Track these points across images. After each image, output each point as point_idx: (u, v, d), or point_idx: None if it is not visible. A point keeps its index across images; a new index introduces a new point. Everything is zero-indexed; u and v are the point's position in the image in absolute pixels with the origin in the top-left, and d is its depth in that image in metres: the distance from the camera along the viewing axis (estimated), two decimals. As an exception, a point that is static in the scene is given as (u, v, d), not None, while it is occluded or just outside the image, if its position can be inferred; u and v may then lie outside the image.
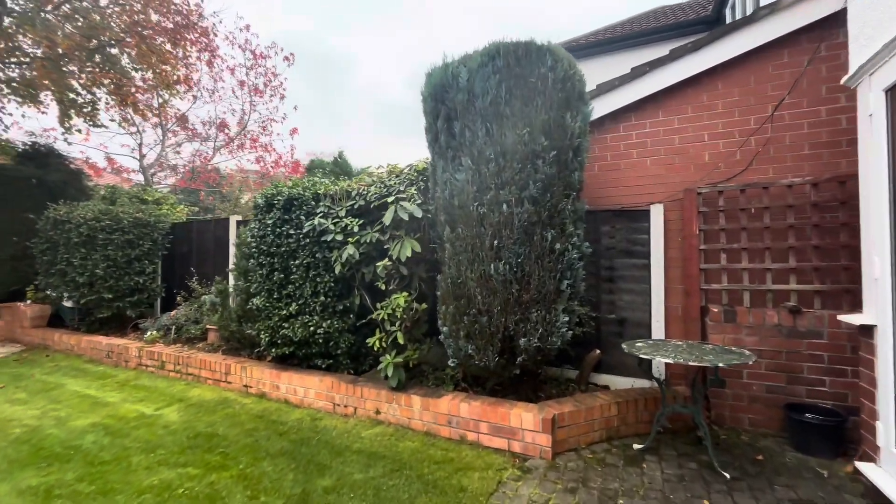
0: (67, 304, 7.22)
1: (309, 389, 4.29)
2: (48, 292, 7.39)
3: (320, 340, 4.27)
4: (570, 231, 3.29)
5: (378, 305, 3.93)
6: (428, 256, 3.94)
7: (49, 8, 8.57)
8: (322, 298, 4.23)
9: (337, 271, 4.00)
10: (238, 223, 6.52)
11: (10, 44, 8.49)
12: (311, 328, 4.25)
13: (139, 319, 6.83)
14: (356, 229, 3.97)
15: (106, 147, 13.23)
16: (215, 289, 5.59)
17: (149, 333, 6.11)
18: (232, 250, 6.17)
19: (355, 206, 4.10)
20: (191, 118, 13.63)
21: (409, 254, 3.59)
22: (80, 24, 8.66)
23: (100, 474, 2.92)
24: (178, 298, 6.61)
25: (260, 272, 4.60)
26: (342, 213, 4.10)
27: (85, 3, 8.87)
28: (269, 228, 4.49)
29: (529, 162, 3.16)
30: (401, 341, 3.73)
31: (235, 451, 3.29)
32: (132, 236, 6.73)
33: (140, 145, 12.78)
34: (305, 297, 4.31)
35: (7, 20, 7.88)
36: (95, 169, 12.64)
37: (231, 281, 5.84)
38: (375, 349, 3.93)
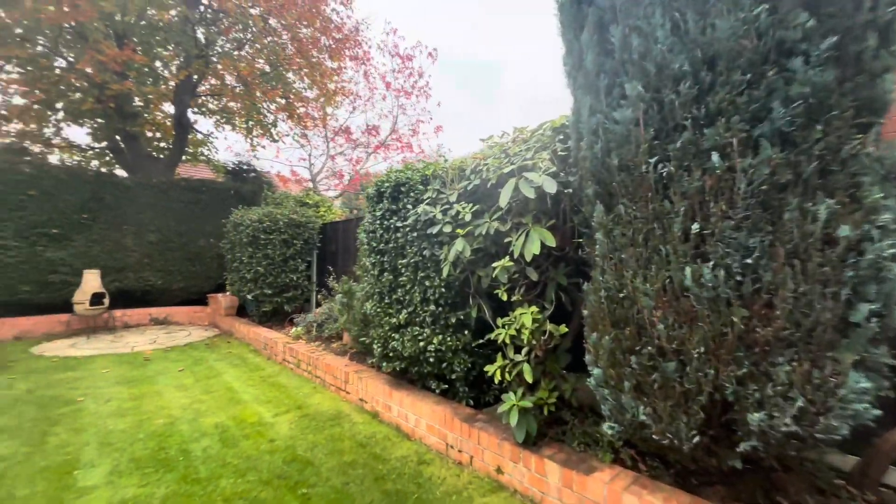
0: (249, 296, 8.28)
1: (421, 418, 3.47)
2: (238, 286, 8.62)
3: (431, 359, 3.40)
4: (871, 199, 1.57)
5: (499, 322, 2.83)
6: (570, 253, 2.65)
7: (246, 46, 10.19)
8: (432, 307, 3.35)
9: (445, 273, 3.05)
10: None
11: (218, 81, 10.37)
12: (422, 343, 3.42)
13: (294, 314, 7.29)
14: (468, 217, 2.94)
15: (290, 161, 15.59)
16: (342, 288, 5.36)
17: (293, 330, 6.34)
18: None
19: (468, 188, 3.07)
20: (349, 125, 14.98)
21: (536, 250, 2.38)
22: (264, 54, 10.04)
23: (184, 497, 2.63)
24: (318, 297, 6.75)
25: (372, 272, 4.02)
26: (453, 198, 3.12)
27: (271, 39, 10.25)
28: (377, 222, 3.85)
29: (771, 65, 1.60)
30: (528, 378, 2.55)
31: (319, 495, 2.65)
32: (287, 236, 7.21)
33: (309, 156, 14.60)
34: (415, 304, 3.51)
35: (214, 59, 9.56)
36: (283, 180, 14.95)
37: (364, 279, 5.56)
38: (496, 381, 2.84)
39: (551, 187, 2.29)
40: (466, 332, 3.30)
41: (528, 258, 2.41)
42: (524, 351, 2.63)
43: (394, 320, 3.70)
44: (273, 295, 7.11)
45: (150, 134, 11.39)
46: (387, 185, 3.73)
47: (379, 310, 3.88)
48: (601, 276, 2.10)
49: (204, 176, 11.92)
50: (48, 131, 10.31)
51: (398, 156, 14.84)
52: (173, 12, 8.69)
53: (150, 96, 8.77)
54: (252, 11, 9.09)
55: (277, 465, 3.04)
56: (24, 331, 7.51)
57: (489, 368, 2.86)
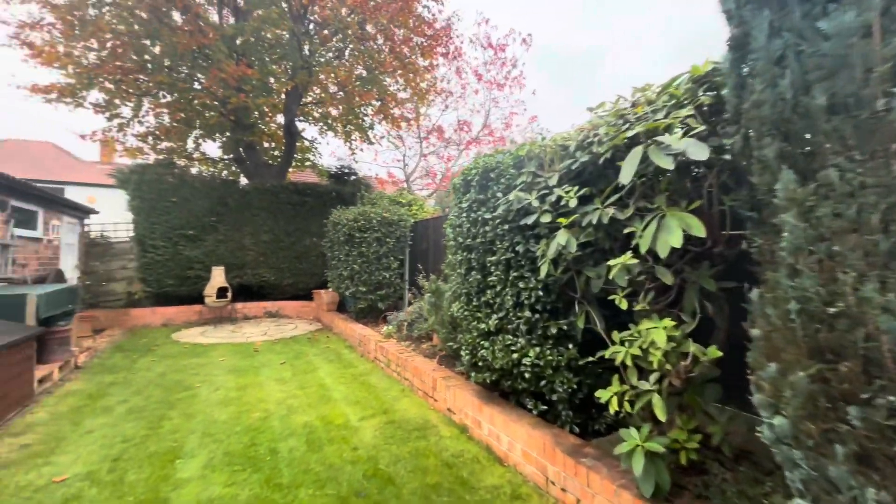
0: (346, 293, 8.59)
1: (515, 442, 2.98)
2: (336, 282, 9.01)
3: (527, 374, 2.88)
4: None
5: (615, 336, 2.21)
6: (717, 248, 1.93)
7: (346, 52, 10.71)
8: (527, 313, 2.83)
9: (543, 273, 2.50)
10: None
11: (320, 90, 11.04)
12: (515, 354, 2.92)
13: (387, 312, 7.31)
14: (573, 203, 2.36)
15: (386, 163, 16.16)
16: (429, 287, 5.09)
17: (385, 328, 6.29)
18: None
19: (573, 167, 2.48)
20: (441, 124, 14.98)
21: (677, 242, 1.73)
22: (361, 60, 10.43)
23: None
24: (410, 295, 6.62)
25: (459, 270, 3.63)
26: (552, 181, 2.56)
27: (367, 44, 10.62)
28: (464, 214, 3.45)
29: None
30: (660, 415, 1.90)
31: (397, 525, 2.33)
32: (380, 234, 7.24)
33: (404, 157, 14.92)
34: (507, 308, 3.02)
35: (316, 68, 10.17)
36: (381, 182, 15.55)
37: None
38: (611, 410, 2.22)
39: (700, 153, 1.63)
40: (570, 345, 2.71)
41: (663, 253, 1.76)
42: (653, 377, 1.98)
43: (482, 326, 3.26)
44: (367, 292, 7.20)
45: (266, 144, 12.62)
46: (474, 172, 3.31)
47: (466, 313, 3.48)
48: (789, 280, 1.39)
49: (309, 180, 12.86)
50: (190, 146, 11.99)
51: (489, 148, 14.44)
52: (284, 30, 9.43)
53: (264, 108, 9.60)
54: (349, 19, 9.44)
55: (357, 478, 2.81)
56: (169, 318, 8.75)
57: (602, 394, 2.26)
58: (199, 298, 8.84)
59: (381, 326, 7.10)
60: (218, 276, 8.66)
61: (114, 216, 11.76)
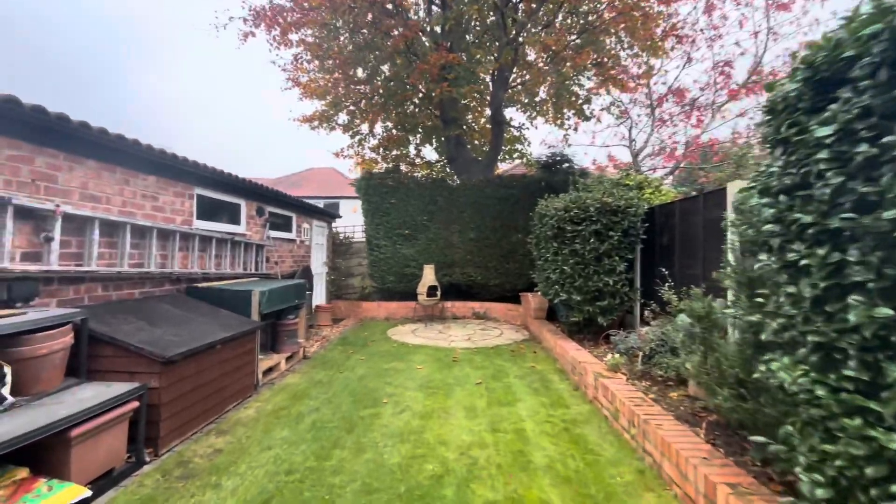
0: (556, 300, 7.13)
1: None
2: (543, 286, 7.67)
3: None
4: None
5: None
6: None
7: (558, 18, 9.29)
8: None
9: None
10: (741, 194, 3.58)
11: (526, 68, 9.91)
12: None
13: (610, 330, 5.47)
14: None
15: (607, 144, 13.67)
16: (689, 305, 3.08)
17: (609, 356, 4.52)
18: (731, 239, 3.38)
19: None
20: (680, 85, 11.44)
21: None
22: (576, 26, 8.78)
23: None
24: (647, 312, 4.61)
25: (786, 288, 1.66)
26: None
27: (584, 7, 8.91)
28: (817, 160, 1.47)
29: None
30: None
31: None
32: (599, 227, 5.46)
33: (630, 130, 12.09)
34: None
35: (520, 40, 9.08)
36: (599, 168, 13.30)
37: (729, 296, 3.08)
38: None
39: None
40: None
41: None
42: None
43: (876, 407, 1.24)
44: (583, 302, 5.55)
45: (476, 142, 12.41)
46: (871, 46, 1.31)
47: (821, 388, 1.50)
48: None
49: (519, 173, 11.95)
50: (412, 153, 12.90)
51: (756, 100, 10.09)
52: (487, 8, 8.74)
53: (469, 99, 9.12)
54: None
55: None
56: (390, 313, 9.30)
57: None
58: (414, 295, 9.08)
59: (601, 348, 5.34)
60: (429, 274, 8.64)
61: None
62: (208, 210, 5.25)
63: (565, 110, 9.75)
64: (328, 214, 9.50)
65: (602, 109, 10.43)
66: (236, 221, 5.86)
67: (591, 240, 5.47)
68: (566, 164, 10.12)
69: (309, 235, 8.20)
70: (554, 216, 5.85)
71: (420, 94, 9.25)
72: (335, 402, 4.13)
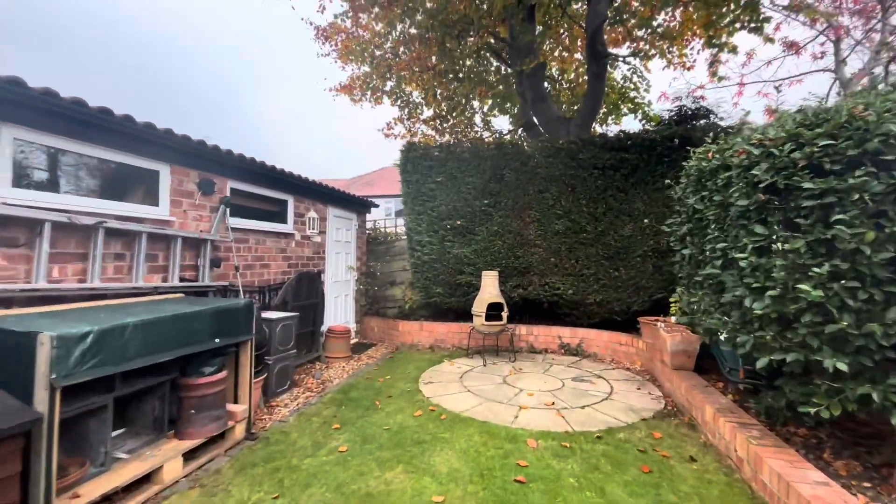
0: (724, 334, 3.71)
1: None
2: (697, 312, 4.26)
3: None
4: None
5: None
6: None
7: None
8: None
9: None
10: None
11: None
12: None
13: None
14: None
15: (764, 91, 9.29)
16: None
17: None
18: None
19: None
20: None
21: None
22: None
23: None
24: None
25: None
26: None
27: None
28: None
29: None
30: None
31: None
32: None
33: (837, 39, 7.52)
34: None
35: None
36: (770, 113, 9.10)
37: None
38: None
39: None
40: None
41: None
42: None
43: None
44: (803, 347, 2.17)
45: (562, 100, 9.15)
46: None
47: None
48: None
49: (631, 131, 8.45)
50: (478, 124, 10.07)
51: None
52: None
53: (549, 20, 6.01)
54: None
55: None
56: (438, 339, 6.53)
57: None
58: (471, 314, 6.21)
59: (843, 464, 1.93)
60: (489, 286, 5.70)
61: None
62: (59, 173, 3.00)
63: (715, 36, 6.02)
64: (358, 203, 7.07)
65: (783, 11, 6.42)
66: (150, 200, 3.57)
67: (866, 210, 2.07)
68: (703, 122, 6.45)
69: (318, 228, 5.81)
70: (753, 166, 2.51)
71: (474, 27, 6.38)
72: None
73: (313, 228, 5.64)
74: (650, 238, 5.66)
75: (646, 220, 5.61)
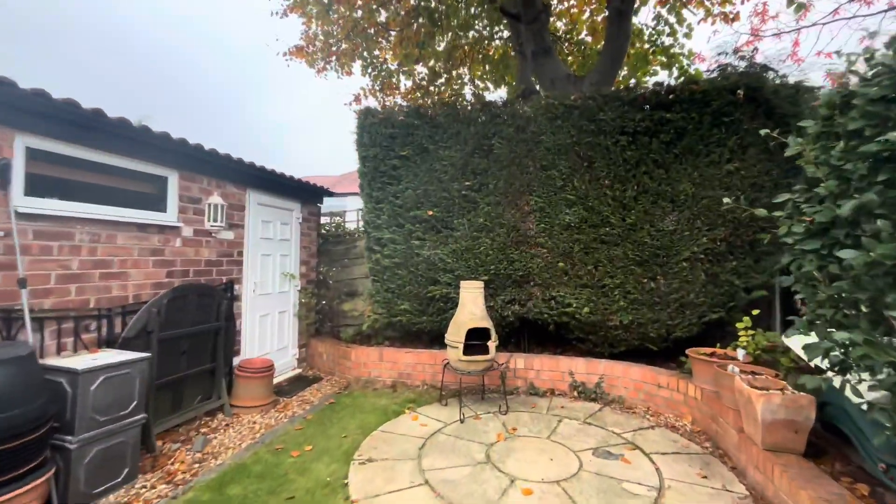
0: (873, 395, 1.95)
1: None
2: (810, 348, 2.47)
3: None
4: None
5: None
6: None
7: None
8: None
9: None
10: None
11: None
12: None
13: None
14: None
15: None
16: None
17: None
18: None
19: None
20: None
21: None
22: None
23: None
24: None
25: None
26: None
27: None
28: None
29: None
30: None
31: None
32: None
33: None
34: None
35: None
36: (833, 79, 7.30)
37: None
38: None
39: None
40: None
41: None
42: None
43: None
44: None
45: (570, 59, 7.40)
46: None
47: None
48: None
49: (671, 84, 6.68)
50: (468, 96, 8.37)
51: None
52: None
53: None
54: None
55: None
56: (402, 373, 4.79)
57: None
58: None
59: None
60: (470, 303, 3.95)
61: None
62: None
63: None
64: (301, 189, 5.33)
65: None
66: None
67: None
68: (757, 71, 4.66)
69: (225, 220, 4.08)
70: None
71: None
72: None
73: (218, 220, 3.92)
74: (702, 233, 3.91)
75: (693, 210, 3.85)
